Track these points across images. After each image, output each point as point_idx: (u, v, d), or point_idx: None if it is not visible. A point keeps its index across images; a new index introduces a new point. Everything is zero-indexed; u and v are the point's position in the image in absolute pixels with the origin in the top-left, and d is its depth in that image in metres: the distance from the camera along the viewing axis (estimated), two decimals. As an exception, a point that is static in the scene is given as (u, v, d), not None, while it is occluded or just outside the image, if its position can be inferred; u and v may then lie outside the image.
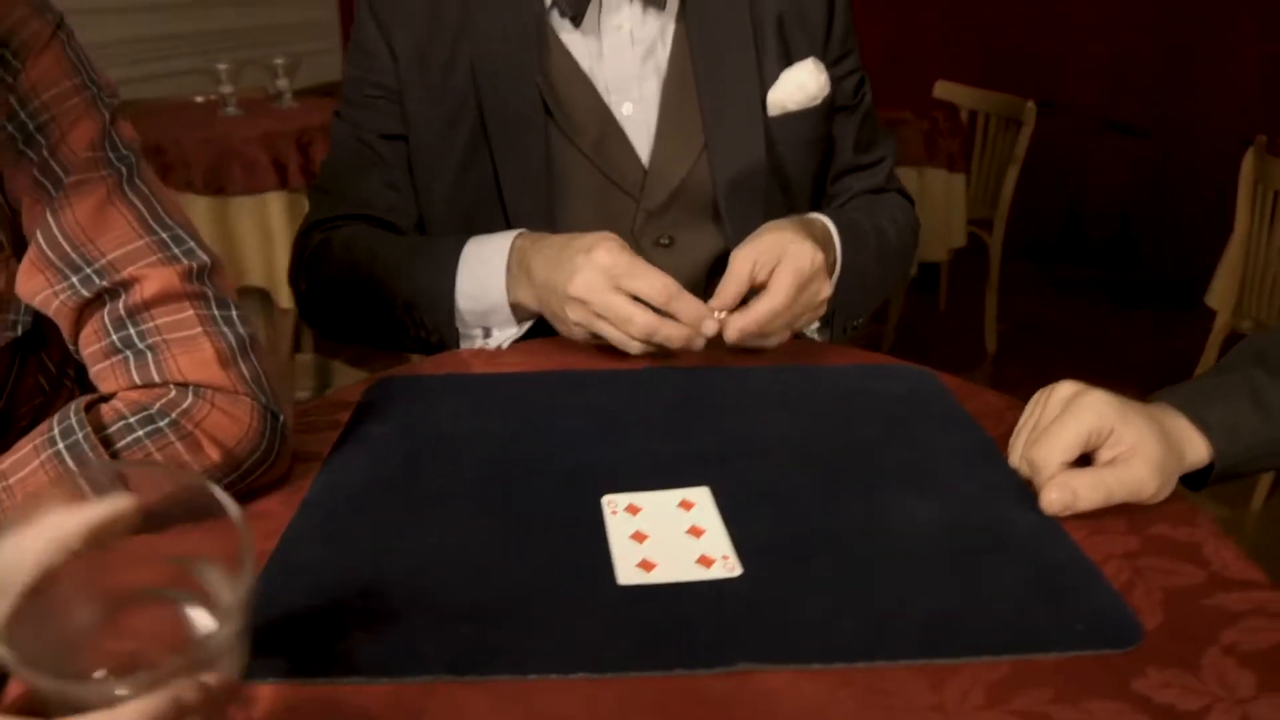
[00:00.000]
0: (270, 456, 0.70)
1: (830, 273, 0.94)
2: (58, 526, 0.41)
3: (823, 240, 0.95)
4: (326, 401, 0.83)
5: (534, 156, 1.02)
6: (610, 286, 0.82)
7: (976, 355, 3.20)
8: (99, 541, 0.41)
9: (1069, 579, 0.59)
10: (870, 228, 1.05)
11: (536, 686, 0.50)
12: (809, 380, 0.86)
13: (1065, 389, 0.68)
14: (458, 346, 0.95)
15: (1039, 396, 0.71)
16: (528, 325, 0.95)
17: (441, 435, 0.76)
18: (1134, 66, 3.85)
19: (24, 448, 0.63)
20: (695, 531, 0.62)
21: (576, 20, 1.01)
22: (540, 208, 1.01)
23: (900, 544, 0.62)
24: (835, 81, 1.11)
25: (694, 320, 0.83)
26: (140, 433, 0.64)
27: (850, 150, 1.15)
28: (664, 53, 1.05)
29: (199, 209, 2.21)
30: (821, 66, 1.08)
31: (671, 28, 1.05)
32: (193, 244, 0.71)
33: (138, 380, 0.67)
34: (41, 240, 0.69)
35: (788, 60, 1.07)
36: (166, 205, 0.72)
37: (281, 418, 0.70)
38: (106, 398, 0.67)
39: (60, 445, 0.62)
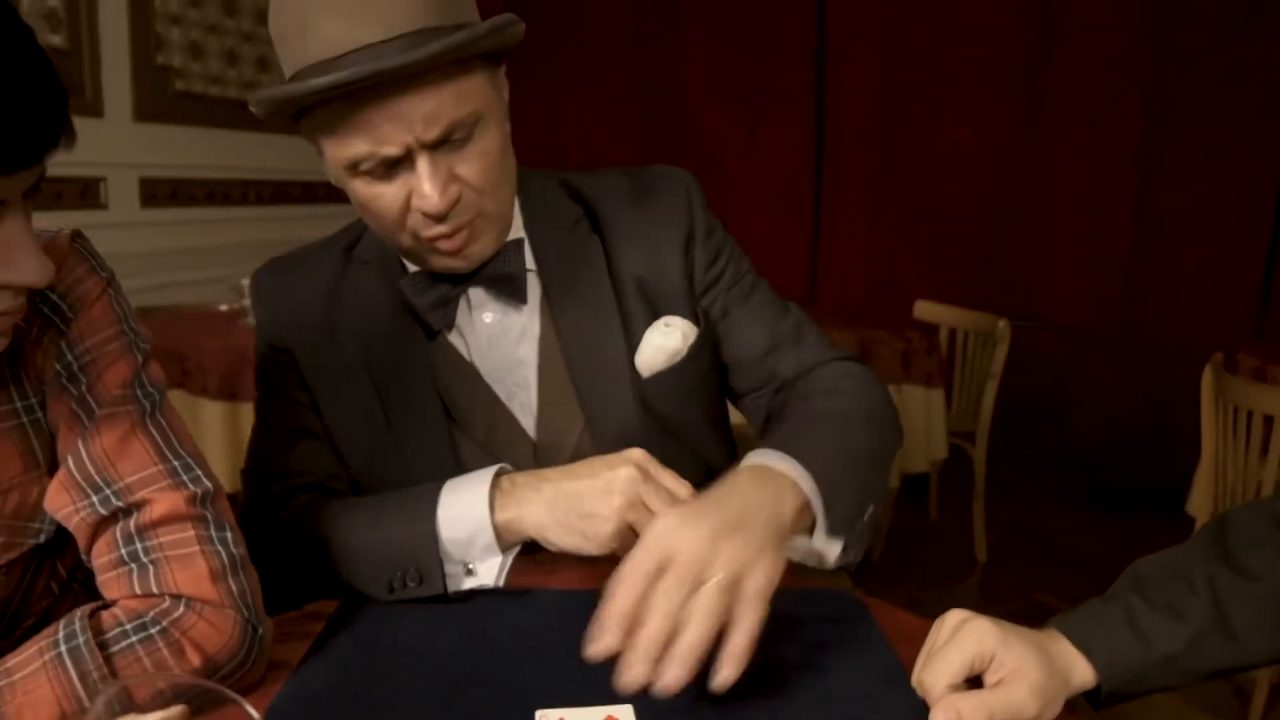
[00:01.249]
0: (247, 664, 0.78)
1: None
2: None
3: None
4: (304, 614, 0.91)
5: (442, 452, 1.07)
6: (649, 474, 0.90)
7: (967, 565, 3.21)
8: None
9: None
10: (834, 430, 0.99)
11: None
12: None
13: (954, 617, 0.76)
14: (442, 587, 0.92)
15: (937, 623, 0.79)
16: (513, 555, 0.94)
17: (398, 651, 0.84)
18: (1112, 280, 4.05)
19: (29, 649, 0.72)
20: (614, 745, 0.69)
21: (449, 326, 1.08)
22: None
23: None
24: (714, 281, 1.13)
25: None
26: (134, 638, 0.73)
27: (763, 329, 1.13)
28: (534, 337, 1.09)
29: (213, 414, 2.31)
30: (675, 323, 1.10)
31: (537, 318, 1.09)
32: (200, 472, 0.82)
33: (138, 590, 0.77)
34: (71, 463, 0.79)
35: (656, 317, 1.10)
36: (180, 437, 0.83)
37: (261, 630, 0.79)
38: (109, 604, 0.76)
39: (63, 648, 0.71)
